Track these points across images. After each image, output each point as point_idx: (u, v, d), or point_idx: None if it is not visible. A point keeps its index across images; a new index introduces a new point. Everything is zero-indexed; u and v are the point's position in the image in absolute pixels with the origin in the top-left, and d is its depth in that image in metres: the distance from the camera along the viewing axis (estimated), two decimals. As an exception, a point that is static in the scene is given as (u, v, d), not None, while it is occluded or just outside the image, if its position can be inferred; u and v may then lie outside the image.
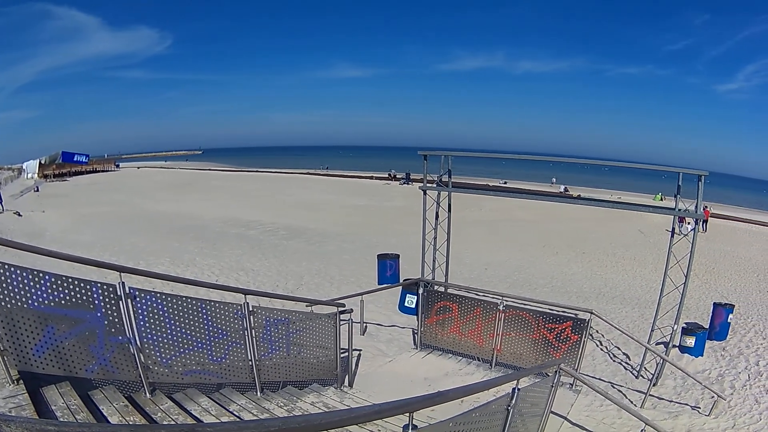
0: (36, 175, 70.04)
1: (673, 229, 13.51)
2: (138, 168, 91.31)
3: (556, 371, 7.58)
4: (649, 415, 10.20)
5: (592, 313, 12.48)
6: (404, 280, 17.75)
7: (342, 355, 10.50)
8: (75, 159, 77.43)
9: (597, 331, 16.78)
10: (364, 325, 15.58)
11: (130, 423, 5.25)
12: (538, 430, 7.71)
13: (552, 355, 12.37)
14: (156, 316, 6.70)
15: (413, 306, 14.77)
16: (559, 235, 39.73)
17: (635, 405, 11.96)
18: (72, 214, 37.13)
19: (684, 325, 15.67)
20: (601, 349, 16.04)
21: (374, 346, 14.41)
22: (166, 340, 6.83)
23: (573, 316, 12.83)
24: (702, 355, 15.44)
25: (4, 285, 5.24)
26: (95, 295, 5.98)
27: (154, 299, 6.67)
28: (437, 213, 16.19)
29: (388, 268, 20.73)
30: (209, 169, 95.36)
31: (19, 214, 35.88)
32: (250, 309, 8.01)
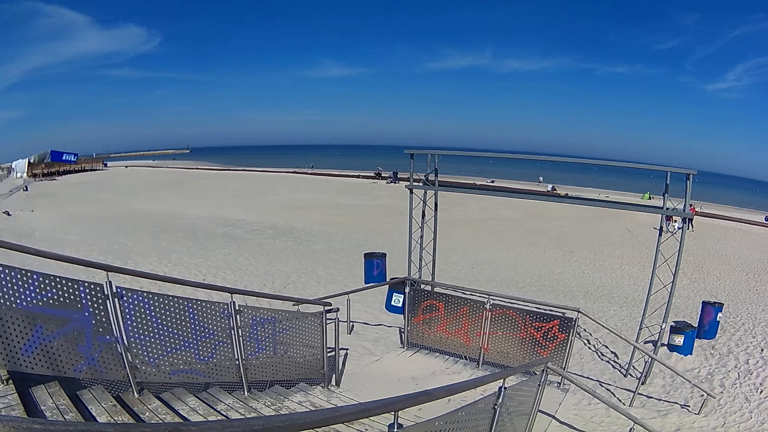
0: (25, 174, 69.94)
1: (661, 227, 13.59)
2: (126, 167, 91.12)
3: (543, 370, 7.59)
4: (638, 414, 10.23)
5: (579, 311, 12.45)
6: (391, 279, 17.83)
7: (329, 354, 10.50)
8: (64, 158, 77.30)
9: (585, 330, 16.88)
10: (351, 324, 15.56)
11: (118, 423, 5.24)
12: (526, 428, 7.73)
13: (539, 353, 12.42)
14: (143, 316, 6.71)
15: (400, 305, 14.83)
16: (547, 233, 39.92)
17: (624, 404, 12.00)
18: (61, 213, 37.00)
19: (673, 323, 15.78)
20: (589, 348, 16.10)
21: (361, 345, 14.42)
22: (153, 340, 6.84)
23: (560, 314, 12.87)
24: (691, 354, 15.55)
25: (-7, 284, 5.26)
26: (83, 295, 5.99)
27: (141, 298, 6.68)
28: (424, 212, 16.22)
29: (374, 267, 20.83)
30: (197, 168, 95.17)
31: (9, 214, 35.75)
32: (237, 308, 8.00)
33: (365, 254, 22.01)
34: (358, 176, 79.93)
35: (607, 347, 16.16)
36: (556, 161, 16.17)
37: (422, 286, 15.51)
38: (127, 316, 6.50)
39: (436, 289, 15.06)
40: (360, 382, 11.11)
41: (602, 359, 15.35)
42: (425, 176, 15.99)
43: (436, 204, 16.35)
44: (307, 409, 8.02)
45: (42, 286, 5.61)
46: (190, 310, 7.34)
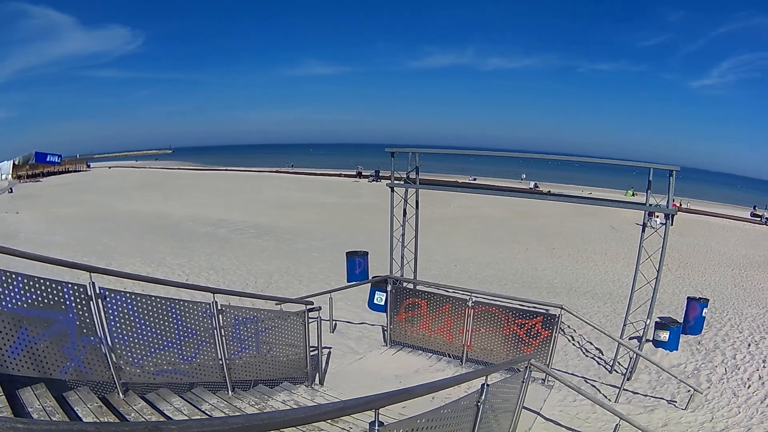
0: (10, 176, 69.38)
1: (644, 224, 13.62)
2: (109, 168, 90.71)
3: (526, 367, 7.61)
4: (623, 410, 10.30)
5: (562, 308, 12.51)
6: (373, 278, 17.82)
7: (312, 353, 10.57)
8: (48, 159, 76.85)
9: (569, 327, 16.95)
10: (334, 322, 15.61)
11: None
12: (510, 425, 7.76)
13: (523, 350, 12.49)
14: (126, 316, 6.73)
15: (382, 303, 14.89)
16: (529, 231, 40.14)
17: (609, 400, 12.10)
18: (45, 214, 36.87)
19: (658, 319, 15.83)
20: (573, 345, 16.20)
21: (344, 344, 14.47)
22: (137, 340, 6.87)
23: (543, 311, 13.02)
24: (677, 350, 15.60)
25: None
26: (67, 296, 6.00)
27: (124, 299, 6.69)
28: (405, 210, 16.32)
29: (357, 265, 20.87)
30: (180, 168, 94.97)
31: (-6, 216, 35.43)
32: (219, 308, 8.03)
33: (347, 253, 22.08)
34: (340, 175, 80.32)
35: (591, 344, 16.25)
36: (538, 158, 16.30)
37: (404, 284, 15.50)
38: (111, 317, 6.50)
39: (419, 287, 15.15)
40: (343, 381, 11.17)
41: (587, 356, 15.44)
42: (406, 174, 16.02)
43: (417, 202, 16.44)
44: (289, 408, 7.99)
45: (27, 287, 5.62)
46: (173, 310, 7.36)
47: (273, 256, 26.81)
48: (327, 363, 12.49)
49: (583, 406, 11.02)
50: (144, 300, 6.98)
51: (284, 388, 9.25)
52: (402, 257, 16.75)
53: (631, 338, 15.27)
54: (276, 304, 11.46)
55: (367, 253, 21.98)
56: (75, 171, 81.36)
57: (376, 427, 3.74)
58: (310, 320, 10.45)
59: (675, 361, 14.94)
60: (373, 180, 69.67)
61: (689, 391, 12.12)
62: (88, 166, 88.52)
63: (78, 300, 6.08)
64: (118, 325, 6.58)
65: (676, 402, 12.19)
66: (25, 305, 5.59)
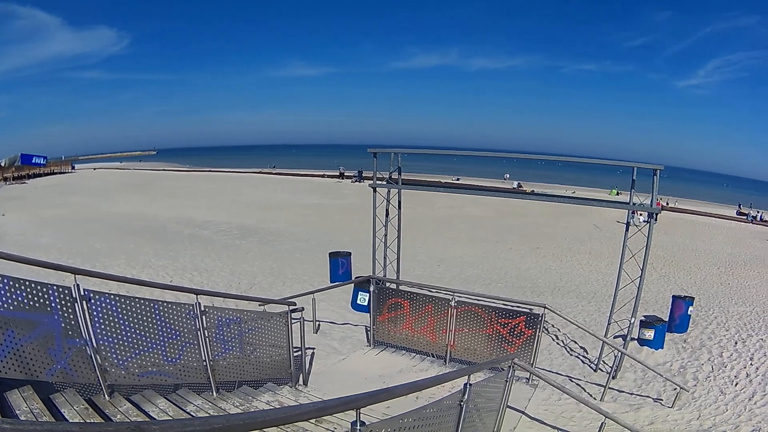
0: (-5, 178, 68.95)
1: (628, 222, 13.68)
2: (94, 169, 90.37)
3: (510, 366, 7.64)
4: (609, 408, 10.31)
5: (545, 307, 12.62)
6: (356, 278, 17.82)
7: (295, 354, 10.63)
8: (33, 161, 76.28)
9: (553, 326, 17.07)
10: (317, 323, 15.63)
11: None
12: (495, 424, 7.81)
13: (506, 350, 12.56)
14: (111, 318, 6.74)
15: (366, 303, 14.95)
16: (513, 230, 40.38)
17: (595, 398, 12.11)
18: (31, 216, 36.65)
19: (643, 317, 15.90)
20: (558, 344, 16.29)
21: (328, 344, 14.49)
22: (121, 342, 6.88)
23: (526, 310, 13.12)
24: (662, 348, 15.69)
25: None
26: (52, 298, 6.01)
27: (108, 301, 6.72)
28: (387, 210, 16.36)
29: (340, 266, 20.95)
30: (163, 170, 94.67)
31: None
32: (202, 309, 8.05)
33: (330, 253, 22.19)
34: (323, 176, 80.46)
35: (576, 342, 16.34)
36: (522, 158, 16.28)
37: (387, 284, 15.57)
38: (96, 319, 6.52)
39: (401, 287, 15.20)
40: (327, 382, 11.19)
41: (571, 354, 15.52)
42: (389, 175, 16.10)
43: (399, 202, 16.49)
44: (270, 408, 8.00)
45: (12, 290, 5.64)
46: (157, 311, 7.38)
47: (256, 257, 26.81)
48: (311, 363, 12.49)
49: (568, 404, 11.06)
50: (128, 302, 6.99)
51: (268, 389, 9.26)
52: (385, 257, 16.77)
53: (616, 337, 15.30)
54: (259, 305, 11.47)
55: (349, 253, 22.09)
56: (60, 173, 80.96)
57: (358, 427, 3.77)
58: (293, 321, 10.48)
59: (661, 360, 15.01)
60: (356, 180, 69.94)
61: (675, 389, 12.14)
62: (73, 168, 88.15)
63: (63, 302, 6.09)
64: (102, 326, 6.60)
65: (662, 400, 12.22)
66: (11, 307, 5.60)
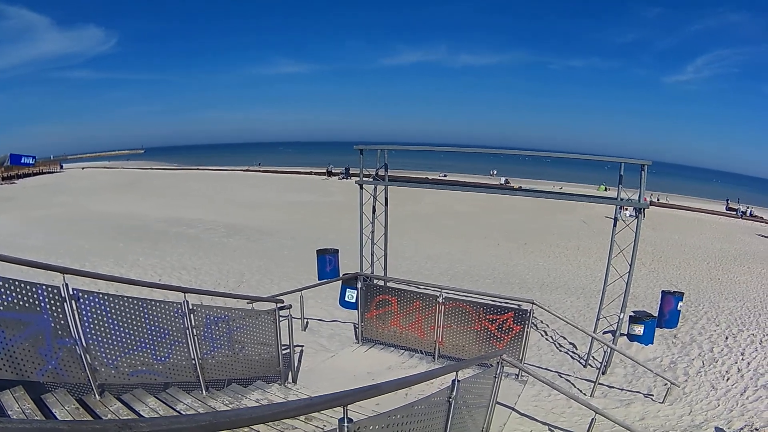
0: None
1: (616, 217, 13.70)
2: (83, 169, 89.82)
3: (498, 362, 7.66)
4: (599, 404, 10.36)
5: (533, 303, 12.69)
6: (343, 275, 17.83)
7: (284, 352, 10.67)
8: (22, 161, 75.99)
9: (541, 321, 17.10)
10: (306, 321, 15.62)
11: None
12: (484, 421, 7.81)
13: (495, 346, 12.62)
14: (100, 317, 6.79)
15: (354, 300, 14.96)
16: (501, 227, 40.38)
17: (585, 394, 12.15)
18: (21, 217, 36.45)
19: (632, 313, 15.95)
20: (547, 339, 16.30)
21: (316, 342, 14.50)
22: (111, 341, 6.92)
23: (515, 306, 13.13)
24: (652, 343, 15.69)
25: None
26: (41, 298, 6.05)
27: (97, 300, 6.76)
28: (374, 207, 16.44)
29: (327, 263, 20.98)
30: (151, 168, 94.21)
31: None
32: (190, 307, 8.09)
33: (318, 251, 22.19)
34: (310, 173, 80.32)
35: (565, 338, 16.35)
36: (509, 154, 16.27)
37: (375, 281, 15.61)
38: (85, 318, 6.56)
39: (389, 284, 15.16)
40: (316, 379, 11.24)
41: (560, 350, 15.54)
42: (375, 172, 16.13)
43: (386, 199, 16.54)
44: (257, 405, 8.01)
45: (2, 290, 5.67)
46: (145, 310, 7.43)
47: (244, 255, 26.79)
48: (299, 361, 12.53)
49: (558, 400, 11.11)
50: (117, 301, 7.03)
51: (258, 387, 9.32)
52: (372, 254, 16.88)
53: (605, 332, 15.40)
54: (247, 303, 11.46)
55: (337, 250, 22.12)
56: (49, 172, 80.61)
57: (345, 424, 3.78)
58: (281, 318, 10.54)
59: (651, 355, 15.02)
60: (343, 177, 69.77)
61: (666, 384, 12.21)
62: (62, 168, 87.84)
63: (52, 301, 6.13)
64: (92, 326, 6.64)
65: (653, 395, 12.23)
66: (1, 308, 5.64)
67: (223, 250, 27.92)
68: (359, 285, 14.04)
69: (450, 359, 12.81)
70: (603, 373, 13.00)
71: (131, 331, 7.14)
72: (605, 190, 59.56)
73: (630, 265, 13.31)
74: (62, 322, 6.21)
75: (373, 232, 16.63)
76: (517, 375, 12.10)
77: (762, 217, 55.64)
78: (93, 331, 6.63)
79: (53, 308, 6.14)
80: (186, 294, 8.21)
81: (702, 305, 20.52)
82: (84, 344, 6.42)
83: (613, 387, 12.87)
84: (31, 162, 77.12)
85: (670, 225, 44.59)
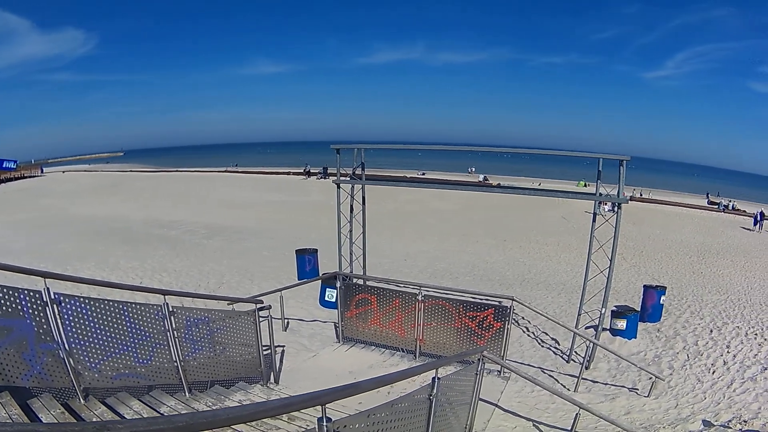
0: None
1: (595, 213, 13.74)
2: (63, 172, 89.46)
3: (479, 359, 7.66)
4: (584, 399, 10.48)
5: (513, 299, 12.70)
6: (323, 275, 17.85)
7: (265, 352, 10.74)
8: (3, 165, 75.67)
9: (523, 318, 17.25)
10: (286, 321, 15.66)
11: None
12: (468, 417, 7.81)
13: (476, 343, 12.71)
14: (82, 321, 6.78)
15: (334, 300, 14.99)
16: (480, 224, 40.73)
17: (568, 389, 12.22)
18: (3, 221, 36.35)
19: (614, 308, 16.00)
20: (529, 335, 16.46)
21: (297, 342, 14.54)
22: (94, 345, 6.92)
23: (495, 303, 13.19)
24: (635, 338, 15.80)
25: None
26: (23, 302, 6.05)
27: (78, 304, 6.75)
28: (352, 206, 16.55)
29: (306, 263, 21.07)
30: (131, 170, 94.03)
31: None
32: (170, 309, 8.11)
33: (297, 250, 22.28)
34: (288, 173, 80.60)
35: (547, 334, 16.50)
36: (487, 151, 16.34)
37: (354, 280, 15.67)
38: (67, 323, 6.55)
39: (369, 283, 15.19)
40: (298, 379, 11.29)
41: (543, 346, 15.68)
42: (352, 171, 16.20)
43: (363, 198, 16.57)
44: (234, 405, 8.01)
45: None
46: (126, 313, 7.42)
47: (224, 256, 26.87)
48: (281, 361, 12.57)
49: (541, 396, 11.20)
50: (98, 304, 7.02)
51: (240, 388, 9.34)
52: (351, 253, 16.96)
53: (587, 327, 15.45)
54: (228, 304, 11.45)
55: (316, 250, 22.21)
56: (31, 176, 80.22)
57: (324, 423, 3.79)
58: (261, 319, 10.58)
59: (634, 349, 15.12)
60: (321, 177, 69.84)
61: (651, 378, 12.32)
62: (42, 171, 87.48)
63: (34, 306, 6.12)
64: (74, 330, 6.63)
65: (638, 390, 12.35)
66: (-16, 313, 5.67)
67: (203, 251, 28.00)
68: (338, 284, 14.11)
69: (431, 357, 12.83)
70: (586, 368, 13.12)
71: (113, 335, 7.14)
72: (585, 185, 59.88)
73: (610, 260, 13.38)
74: (45, 326, 6.21)
75: (351, 231, 16.69)
76: (500, 371, 12.17)
77: (744, 211, 55.96)
78: (75, 335, 6.62)
79: (35, 313, 6.11)
80: (166, 296, 8.21)
81: (685, 299, 20.75)
82: (67, 348, 6.41)
83: (597, 382, 12.94)
84: (12, 166, 76.76)
85: (652, 220, 44.95)
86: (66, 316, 6.49)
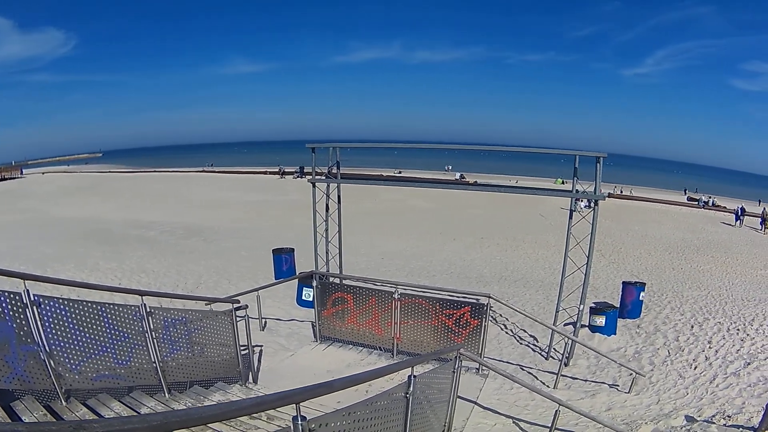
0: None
1: (572, 210, 13.81)
2: (43, 173, 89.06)
3: (456, 356, 7.71)
4: (564, 396, 10.53)
5: (490, 297, 12.76)
6: (299, 274, 17.88)
7: (243, 352, 10.78)
8: (-17, 168, 75.70)
9: (501, 315, 17.37)
10: (264, 320, 15.67)
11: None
12: (447, 415, 7.86)
13: (453, 340, 12.77)
14: (61, 322, 6.82)
15: (311, 299, 14.97)
16: (457, 222, 40.81)
17: (548, 386, 12.31)
18: (-17, 224, 36.03)
19: (593, 304, 16.09)
20: (507, 333, 16.54)
21: (275, 341, 14.57)
22: (73, 346, 6.96)
23: (472, 301, 13.36)
24: (615, 334, 15.92)
25: None
26: (3, 304, 6.11)
27: (57, 305, 6.79)
28: (327, 205, 16.65)
29: (283, 262, 21.13)
30: (110, 171, 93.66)
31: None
32: (148, 310, 8.15)
33: (273, 250, 22.33)
34: (265, 172, 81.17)
35: (525, 331, 16.60)
36: (465, 149, 16.43)
37: (330, 279, 15.82)
38: (47, 324, 6.60)
39: (345, 282, 15.38)
40: (277, 378, 11.33)
41: (521, 343, 15.78)
42: (328, 169, 16.28)
43: (339, 197, 16.76)
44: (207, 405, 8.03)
45: None
46: (105, 314, 7.45)
47: (202, 256, 26.87)
48: (259, 361, 12.62)
49: (521, 393, 11.24)
50: (77, 305, 7.05)
51: (219, 389, 9.38)
52: (327, 252, 17.08)
53: (566, 324, 15.52)
54: (206, 305, 11.44)
55: (293, 249, 22.26)
56: (10, 178, 79.79)
57: (299, 422, 3.87)
58: (239, 319, 10.65)
59: (614, 346, 15.23)
60: (297, 176, 70.06)
61: (631, 374, 12.41)
62: (22, 173, 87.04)
63: (14, 308, 6.16)
64: (54, 331, 6.67)
65: (618, 386, 12.43)
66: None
67: (181, 251, 27.98)
68: (314, 283, 14.15)
69: (409, 355, 12.85)
70: (565, 365, 13.24)
71: (93, 336, 7.16)
72: (562, 183, 60.19)
73: (587, 257, 13.51)
74: (26, 328, 6.25)
75: (327, 230, 16.80)
76: (478, 369, 12.26)
77: (725, 207, 56.40)
78: (56, 337, 6.66)
79: (16, 315, 6.17)
80: (144, 297, 8.24)
81: (665, 295, 20.91)
82: (47, 350, 6.45)
83: (576, 378, 13.04)
84: (-9, 169, 76.59)
85: (632, 216, 45.31)
86: (46, 318, 6.53)
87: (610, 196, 44.91)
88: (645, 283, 18.91)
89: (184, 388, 8.72)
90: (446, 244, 33.53)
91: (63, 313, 6.76)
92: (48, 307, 6.56)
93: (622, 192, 62.62)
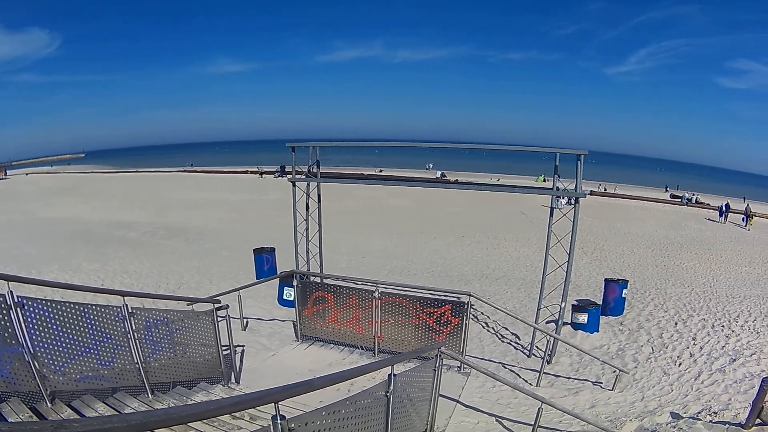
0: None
1: (552, 208, 13.88)
2: (26, 174, 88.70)
3: (437, 355, 7.74)
4: (547, 393, 10.65)
5: (471, 295, 12.83)
6: (280, 273, 17.89)
7: (225, 352, 10.86)
8: (-33, 169, 75.39)
9: (482, 313, 17.47)
10: (245, 320, 15.70)
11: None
12: (429, 413, 7.90)
13: (434, 339, 12.86)
14: (45, 324, 6.85)
15: (292, 298, 14.97)
16: (438, 220, 40.90)
17: (531, 384, 12.42)
18: (-32, 226, 35.81)
19: (575, 302, 16.18)
20: (489, 331, 16.62)
21: (257, 341, 14.60)
22: (57, 347, 6.99)
23: (453, 299, 13.49)
24: (598, 331, 16.01)
25: None
26: None
27: (41, 307, 6.82)
28: (307, 204, 16.68)
29: (264, 262, 21.21)
30: (92, 172, 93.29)
31: None
32: (130, 311, 8.17)
33: (254, 250, 22.40)
34: (245, 172, 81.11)
35: (507, 329, 16.69)
36: (445, 148, 16.50)
37: (311, 278, 15.92)
38: (31, 326, 6.63)
39: (325, 281, 15.46)
40: (259, 378, 11.38)
41: (503, 341, 15.86)
42: (308, 168, 16.35)
43: (319, 196, 16.85)
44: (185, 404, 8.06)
45: None
46: (88, 315, 7.47)
47: (183, 257, 26.89)
48: (241, 361, 12.68)
49: (503, 391, 11.35)
50: (60, 307, 7.07)
51: (202, 389, 9.46)
52: (307, 251, 17.11)
53: (548, 322, 15.70)
54: (187, 305, 11.44)
55: (274, 249, 22.35)
56: (-5, 180, 79.45)
57: (278, 421, 3.93)
58: (220, 319, 10.72)
59: (597, 343, 15.34)
60: (278, 176, 69.90)
61: (615, 371, 12.49)
62: (6, 174, 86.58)
63: None
64: (38, 333, 6.70)
65: (602, 383, 12.55)
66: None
67: (163, 252, 27.99)
68: (295, 282, 14.22)
69: (390, 354, 12.98)
70: (548, 363, 13.37)
71: (76, 337, 7.19)
72: (544, 180, 60.46)
73: (569, 254, 13.60)
74: (10, 330, 6.27)
75: (307, 229, 16.83)
76: (460, 367, 12.36)
77: (708, 204, 56.63)
78: (40, 338, 6.69)
79: (0, 317, 6.17)
80: (125, 297, 8.26)
81: (648, 292, 21.01)
82: (32, 351, 6.50)
83: (559, 376, 13.17)
84: (-24, 170, 76.38)
85: (615, 214, 45.42)
86: (30, 320, 6.56)
87: (592, 193, 45.25)
88: (628, 281, 19.02)
89: (167, 389, 8.75)
90: (427, 242, 33.63)
91: (47, 314, 6.79)
92: (32, 309, 6.58)
93: (605, 189, 62.89)
